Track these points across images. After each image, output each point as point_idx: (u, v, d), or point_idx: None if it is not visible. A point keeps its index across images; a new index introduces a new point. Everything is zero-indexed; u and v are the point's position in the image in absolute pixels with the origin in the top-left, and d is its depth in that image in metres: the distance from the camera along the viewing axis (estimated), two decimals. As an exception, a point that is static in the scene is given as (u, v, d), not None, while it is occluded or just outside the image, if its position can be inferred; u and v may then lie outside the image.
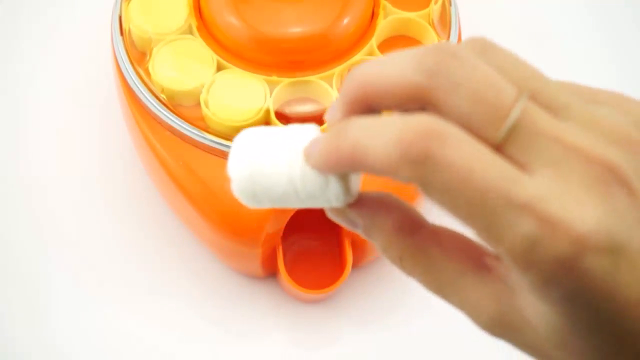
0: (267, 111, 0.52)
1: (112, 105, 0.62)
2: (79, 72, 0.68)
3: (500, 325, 0.26)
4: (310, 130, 0.29)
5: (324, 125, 0.46)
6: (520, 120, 0.24)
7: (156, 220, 0.61)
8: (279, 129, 0.30)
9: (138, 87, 0.53)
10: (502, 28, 0.73)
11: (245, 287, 0.59)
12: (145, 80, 0.53)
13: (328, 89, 0.52)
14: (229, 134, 0.51)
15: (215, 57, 0.53)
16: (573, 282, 0.22)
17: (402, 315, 0.58)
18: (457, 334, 0.57)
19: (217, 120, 0.51)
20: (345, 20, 0.53)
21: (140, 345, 0.57)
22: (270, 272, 0.57)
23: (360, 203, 0.29)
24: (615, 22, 0.74)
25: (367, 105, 0.26)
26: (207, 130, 0.52)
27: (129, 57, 0.55)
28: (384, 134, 0.24)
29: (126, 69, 0.54)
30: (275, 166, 0.29)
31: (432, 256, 0.27)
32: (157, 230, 0.61)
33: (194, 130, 0.52)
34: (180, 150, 0.52)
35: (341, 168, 0.26)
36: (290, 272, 0.54)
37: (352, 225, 0.29)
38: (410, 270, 0.28)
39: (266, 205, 0.30)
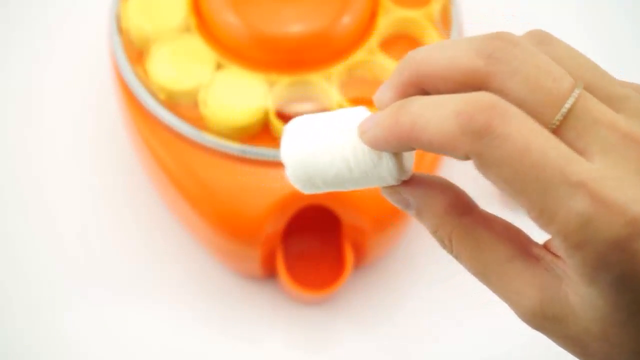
0: (267, 111, 0.51)
1: (110, 105, 0.61)
2: (76, 71, 0.68)
3: (543, 315, 0.26)
4: (361, 111, 0.29)
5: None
6: (576, 107, 0.24)
7: (154, 221, 0.61)
8: (328, 113, 0.30)
9: (136, 87, 0.53)
10: (504, 26, 0.72)
11: (244, 289, 0.58)
12: (143, 80, 0.53)
13: (328, 88, 0.52)
14: (228, 134, 0.51)
15: (214, 55, 0.53)
16: (624, 265, 0.22)
17: (402, 316, 0.58)
18: (457, 335, 0.57)
19: (216, 120, 0.51)
20: (346, 19, 0.53)
21: (136, 346, 0.56)
22: (269, 273, 0.57)
23: (414, 182, 0.29)
24: (613, 22, 0.74)
25: (420, 89, 0.27)
26: (206, 130, 0.51)
27: (126, 56, 0.54)
28: (445, 107, 0.24)
29: (124, 68, 0.54)
30: (328, 145, 0.29)
31: (482, 239, 0.27)
32: (155, 231, 0.61)
33: (192, 130, 0.51)
34: (179, 150, 0.52)
35: (398, 143, 0.26)
36: (290, 272, 0.54)
37: (404, 205, 0.29)
38: (458, 252, 0.28)
39: (321, 188, 0.30)
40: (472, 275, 0.28)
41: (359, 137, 0.28)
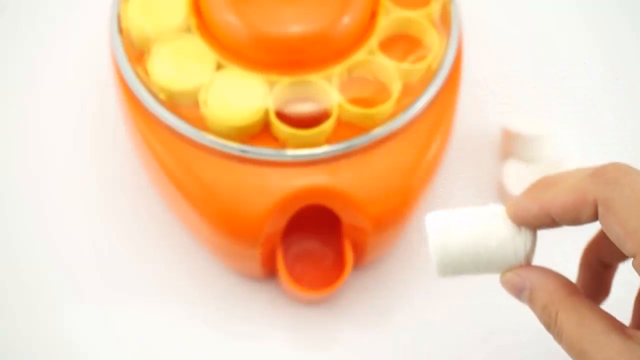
0: (267, 111, 0.51)
1: (110, 105, 0.61)
2: (76, 71, 0.68)
3: None
4: (499, 206, 0.36)
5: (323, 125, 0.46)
6: None
7: (155, 221, 0.61)
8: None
9: (136, 87, 0.53)
10: (503, 26, 0.72)
11: (244, 289, 0.58)
12: (144, 80, 0.53)
13: (328, 88, 0.52)
14: (228, 134, 0.51)
15: (215, 56, 0.53)
16: None
17: (402, 316, 0.58)
18: (457, 335, 0.57)
19: (216, 120, 0.51)
20: (346, 19, 0.53)
21: (135, 346, 0.56)
22: (269, 273, 0.57)
23: (530, 267, 0.35)
24: (612, 21, 0.74)
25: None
26: (206, 130, 0.51)
27: (127, 56, 0.54)
28: (583, 172, 0.32)
29: (124, 68, 0.54)
30: (471, 216, 0.35)
31: (584, 314, 0.32)
32: (155, 231, 0.61)
33: (193, 130, 0.51)
34: (179, 150, 0.52)
35: (539, 211, 0.33)
36: (290, 272, 0.54)
37: (518, 290, 0.35)
38: (561, 325, 0.33)
39: (455, 263, 0.35)
40: (566, 351, 0.32)
41: (506, 211, 0.35)
